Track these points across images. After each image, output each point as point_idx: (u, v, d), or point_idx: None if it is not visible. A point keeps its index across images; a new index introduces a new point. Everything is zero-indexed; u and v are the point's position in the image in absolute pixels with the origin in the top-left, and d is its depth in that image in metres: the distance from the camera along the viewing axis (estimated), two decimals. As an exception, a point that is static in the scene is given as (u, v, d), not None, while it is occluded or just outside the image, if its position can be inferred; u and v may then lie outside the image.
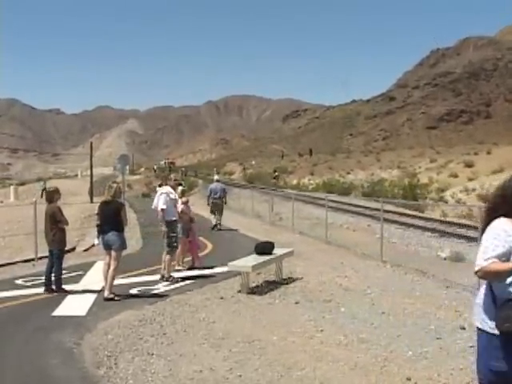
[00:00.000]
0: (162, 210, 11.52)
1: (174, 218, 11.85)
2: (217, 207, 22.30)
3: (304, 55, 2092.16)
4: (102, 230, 10.02)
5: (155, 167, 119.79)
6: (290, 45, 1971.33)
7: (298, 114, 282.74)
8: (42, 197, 49.43)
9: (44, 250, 10.86)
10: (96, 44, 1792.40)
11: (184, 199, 13.68)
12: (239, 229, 22.15)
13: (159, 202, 11.66)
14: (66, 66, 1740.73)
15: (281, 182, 60.43)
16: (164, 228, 11.60)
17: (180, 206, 12.71)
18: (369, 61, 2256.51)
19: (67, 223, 10.75)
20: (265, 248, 11.59)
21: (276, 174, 61.57)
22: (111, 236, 9.85)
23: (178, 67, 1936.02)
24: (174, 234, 11.79)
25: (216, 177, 26.48)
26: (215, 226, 21.86)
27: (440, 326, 8.04)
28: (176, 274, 11.97)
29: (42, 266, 11.00)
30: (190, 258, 13.53)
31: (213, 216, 22.34)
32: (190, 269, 13.04)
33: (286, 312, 8.82)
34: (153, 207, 12.07)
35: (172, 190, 12.06)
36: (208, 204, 22.53)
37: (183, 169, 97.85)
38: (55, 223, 10.42)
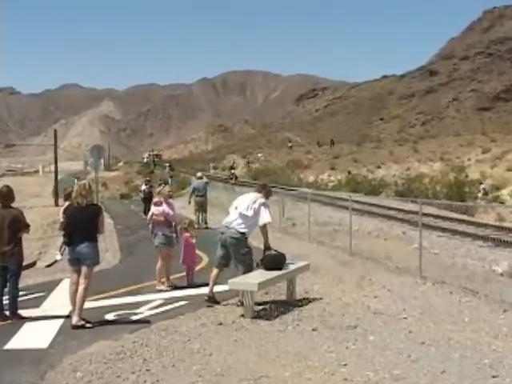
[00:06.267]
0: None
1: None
2: (202, 205, 25.93)
3: (323, 20, 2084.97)
4: (70, 241, 9.96)
5: (145, 159, 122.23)
6: (307, 7, 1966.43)
7: (316, 93, 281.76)
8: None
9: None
10: (63, 10, 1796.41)
11: (158, 198, 13.90)
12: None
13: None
14: (22, 35, 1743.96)
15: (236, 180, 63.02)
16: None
17: (159, 208, 13.13)
18: (404, 26, 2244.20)
19: (28, 231, 10.75)
20: (274, 261, 11.54)
21: (232, 171, 68.85)
22: (84, 248, 9.80)
23: (163, 35, 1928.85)
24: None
25: (199, 174, 29.94)
26: (199, 223, 24.51)
27: (496, 360, 7.97)
28: (159, 296, 12.16)
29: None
30: (181, 274, 13.57)
31: (197, 214, 25.55)
32: (178, 288, 13.09)
33: (300, 341, 8.80)
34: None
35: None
36: (189, 202, 25.71)
37: (166, 164, 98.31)
38: (16, 232, 10.33)
